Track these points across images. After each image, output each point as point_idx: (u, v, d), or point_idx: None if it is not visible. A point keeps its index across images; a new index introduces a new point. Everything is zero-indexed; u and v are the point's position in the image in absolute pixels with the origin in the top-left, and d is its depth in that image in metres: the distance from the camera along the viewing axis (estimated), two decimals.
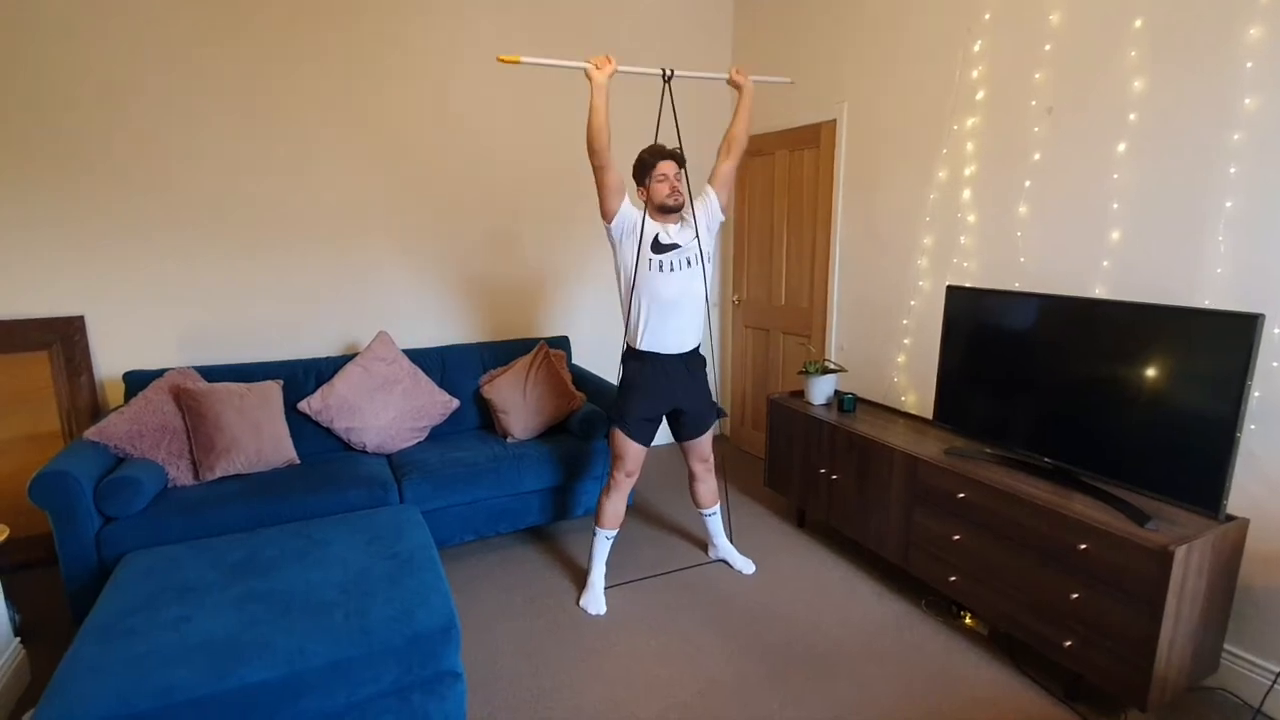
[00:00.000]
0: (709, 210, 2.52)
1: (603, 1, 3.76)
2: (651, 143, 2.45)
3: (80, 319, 2.89)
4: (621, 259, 2.46)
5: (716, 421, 2.76)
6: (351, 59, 3.22)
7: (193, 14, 2.91)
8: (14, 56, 2.68)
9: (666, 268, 2.41)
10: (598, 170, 2.33)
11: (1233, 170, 1.97)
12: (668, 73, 2.39)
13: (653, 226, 2.41)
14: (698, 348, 2.58)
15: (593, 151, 2.31)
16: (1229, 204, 1.99)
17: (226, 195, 3.09)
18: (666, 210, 2.41)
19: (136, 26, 2.83)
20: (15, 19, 2.66)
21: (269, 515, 2.46)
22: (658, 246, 2.40)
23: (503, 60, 2.20)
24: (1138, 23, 2.16)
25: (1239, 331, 1.74)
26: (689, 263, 2.44)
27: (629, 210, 2.40)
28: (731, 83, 2.56)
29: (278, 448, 2.78)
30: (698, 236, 2.45)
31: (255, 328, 3.23)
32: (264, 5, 3.02)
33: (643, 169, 2.43)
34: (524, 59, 2.22)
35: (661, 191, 2.40)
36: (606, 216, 2.40)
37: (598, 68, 2.27)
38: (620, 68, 2.32)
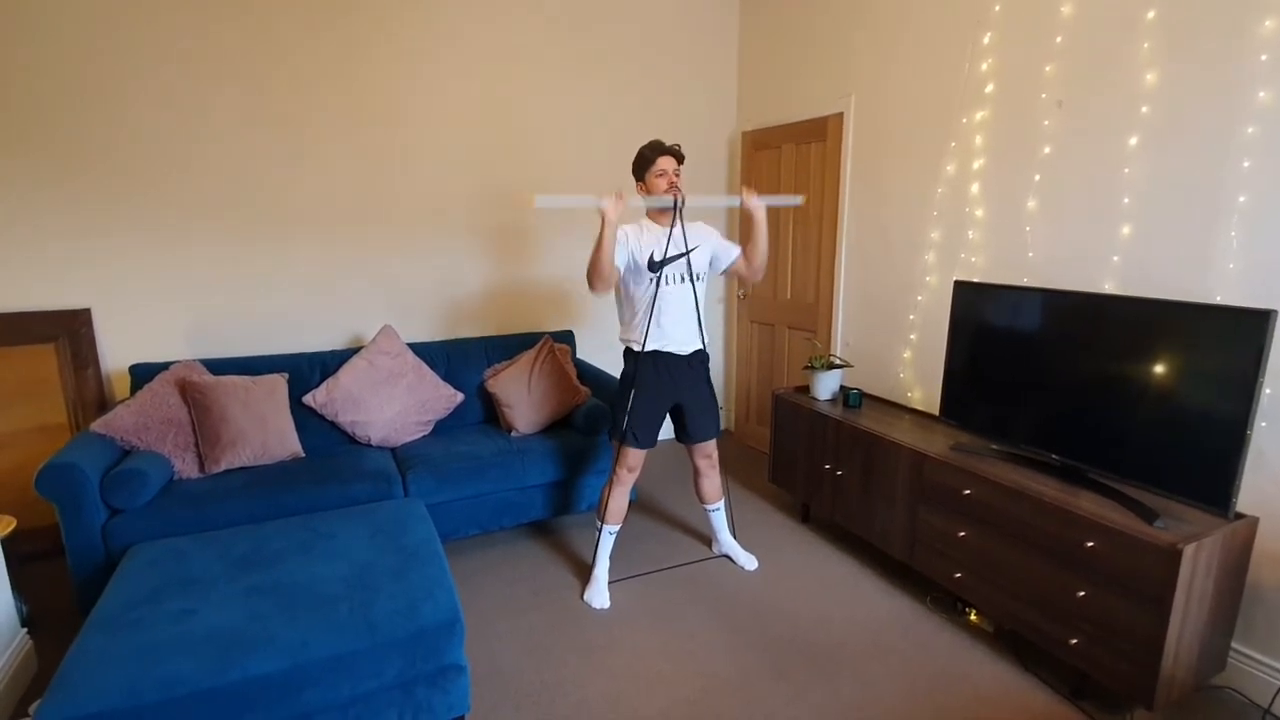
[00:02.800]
0: (719, 250, 2.56)
1: None
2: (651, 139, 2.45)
3: (87, 312, 2.90)
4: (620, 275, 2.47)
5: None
6: (357, 52, 3.21)
7: (201, 6, 2.90)
8: (18, 49, 2.68)
9: (662, 282, 2.42)
10: (595, 292, 2.36)
11: (1246, 164, 1.95)
12: (680, 200, 2.38)
13: (647, 245, 2.40)
14: (700, 349, 2.58)
15: (592, 285, 2.33)
16: (1242, 198, 1.96)
17: (233, 189, 3.09)
18: (665, 206, 2.41)
19: (142, 17, 2.83)
20: (19, 12, 2.66)
21: (274, 508, 2.47)
22: (653, 264, 2.42)
23: (519, 204, 2.19)
24: (1150, 15, 2.13)
25: (1251, 328, 1.72)
26: (681, 279, 2.46)
27: (621, 252, 2.39)
28: (743, 209, 2.47)
29: (283, 441, 2.78)
30: (691, 252, 2.44)
31: (261, 321, 3.24)
32: None
33: (642, 164, 2.43)
34: (539, 201, 2.24)
35: (660, 186, 2.39)
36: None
37: (612, 204, 2.24)
38: (631, 202, 2.30)
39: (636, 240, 2.41)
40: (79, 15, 2.73)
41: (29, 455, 2.75)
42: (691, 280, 2.47)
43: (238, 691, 1.52)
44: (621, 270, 2.42)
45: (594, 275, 2.31)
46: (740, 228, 2.57)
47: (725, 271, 2.61)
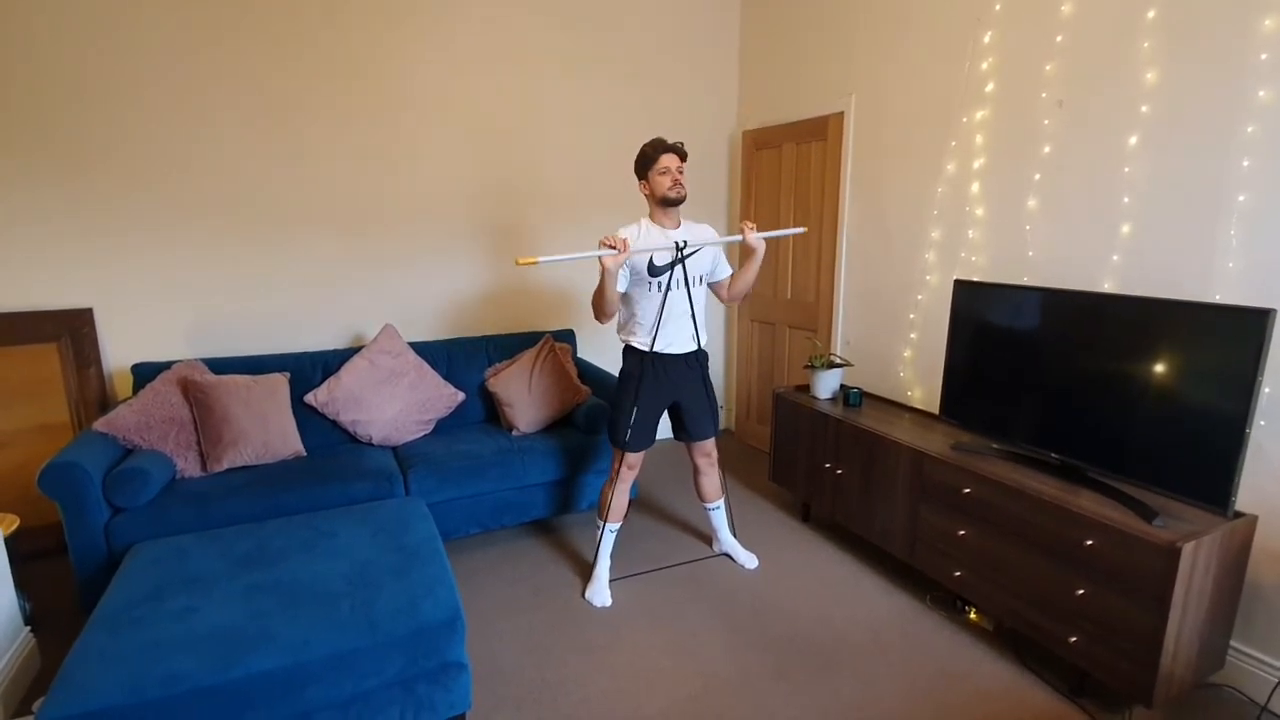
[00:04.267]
0: (716, 258, 2.58)
1: None
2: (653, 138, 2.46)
3: (89, 311, 2.91)
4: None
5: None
6: (358, 51, 3.22)
7: (201, 6, 2.91)
8: (21, 50, 2.68)
9: (661, 287, 2.44)
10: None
11: (1246, 163, 1.95)
12: (681, 247, 2.40)
13: (645, 246, 2.41)
14: (699, 349, 2.59)
15: (599, 318, 2.40)
16: (1241, 198, 1.96)
17: (234, 189, 3.10)
18: (668, 203, 2.41)
19: (145, 19, 2.83)
20: (23, 13, 2.66)
21: (275, 507, 2.48)
22: (653, 269, 2.42)
23: (521, 263, 2.18)
24: (1151, 14, 2.13)
25: (1250, 326, 1.73)
26: (676, 284, 2.46)
27: (623, 281, 2.42)
28: (744, 246, 2.48)
29: (284, 440, 2.79)
30: (689, 256, 2.44)
31: (262, 320, 3.25)
32: None
33: (645, 162, 2.43)
34: (540, 260, 2.21)
35: (664, 184, 2.39)
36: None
37: (614, 253, 2.24)
38: (632, 251, 2.30)
39: (636, 245, 2.41)
40: (80, 16, 2.74)
41: (31, 454, 2.76)
42: (687, 286, 2.47)
43: (240, 689, 1.53)
44: (624, 291, 2.46)
45: (598, 313, 2.39)
46: (740, 257, 2.58)
47: (708, 284, 2.64)
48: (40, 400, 2.82)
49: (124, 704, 1.44)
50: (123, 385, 2.99)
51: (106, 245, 2.92)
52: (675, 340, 2.51)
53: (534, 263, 2.19)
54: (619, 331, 2.59)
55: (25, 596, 2.23)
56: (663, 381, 2.52)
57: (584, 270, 3.96)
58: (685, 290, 2.47)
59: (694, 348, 2.56)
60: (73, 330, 2.87)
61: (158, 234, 3.00)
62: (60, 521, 2.28)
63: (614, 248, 2.24)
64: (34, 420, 2.82)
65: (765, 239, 2.48)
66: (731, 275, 2.63)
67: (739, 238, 2.46)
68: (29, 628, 2.19)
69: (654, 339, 2.46)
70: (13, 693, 2.00)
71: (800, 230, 2.69)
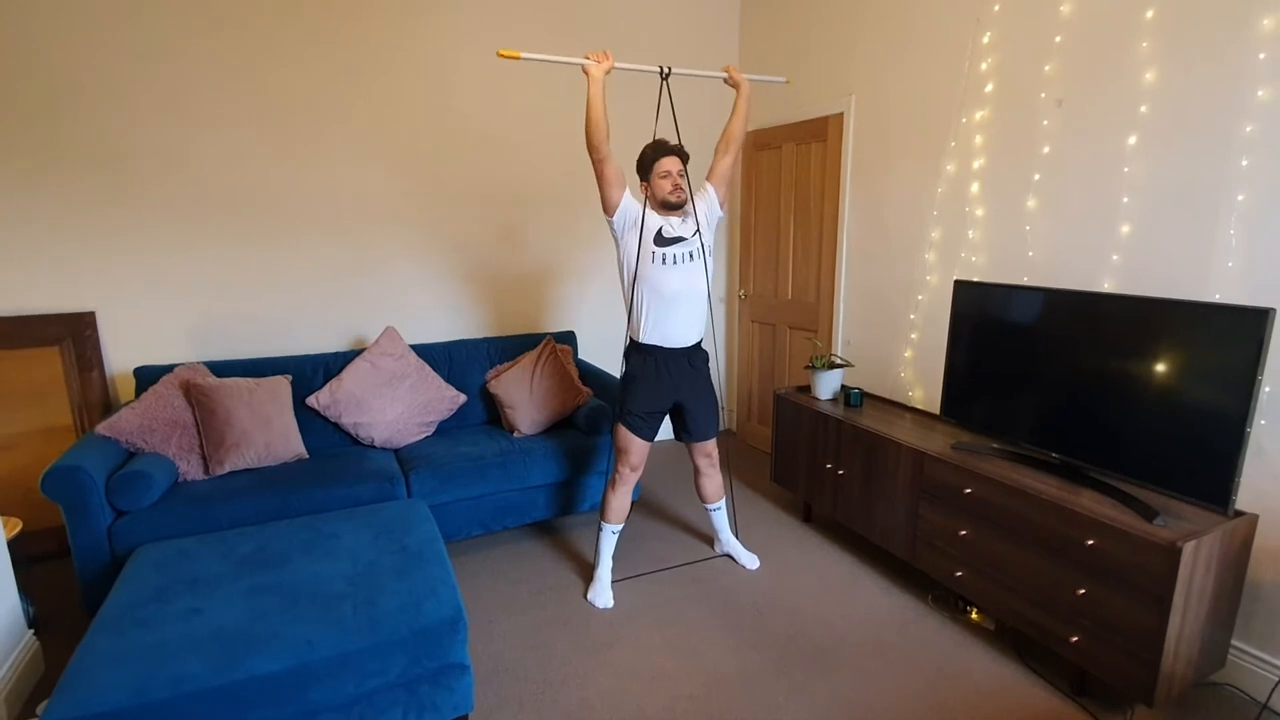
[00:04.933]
0: (709, 206, 2.54)
1: None
2: (653, 138, 2.45)
3: (91, 314, 2.92)
4: (624, 252, 2.46)
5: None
6: (359, 52, 3.23)
7: (201, 8, 2.91)
8: (20, 52, 2.69)
9: (670, 260, 2.42)
10: (597, 164, 2.36)
11: (1245, 163, 1.95)
12: (665, 70, 2.41)
13: (655, 220, 2.42)
14: (700, 342, 2.59)
15: (591, 145, 2.34)
16: (1240, 197, 1.97)
17: (235, 192, 3.11)
18: (669, 207, 2.42)
19: (145, 21, 2.84)
20: (23, 15, 2.67)
21: (278, 509, 2.48)
22: (660, 240, 2.41)
23: (503, 55, 2.23)
24: (1149, 14, 2.14)
25: (1250, 326, 1.73)
26: (691, 256, 2.45)
27: (630, 203, 2.41)
28: (729, 82, 2.57)
29: (286, 442, 2.80)
30: (699, 231, 2.45)
31: (264, 323, 3.26)
32: None
33: (645, 164, 2.44)
34: (524, 55, 2.25)
35: (664, 188, 2.40)
36: (608, 209, 2.41)
37: (596, 63, 2.31)
38: (618, 64, 2.34)
39: (639, 215, 2.41)
40: (82, 18, 2.75)
41: (35, 457, 2.77)
42: (704, 255, 2.47)
43: (244, 690, 1.53)
44: (633, 267, 2.43)
45: (591, 131, 2.32)
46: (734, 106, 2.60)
47: (715, 184, 2.57)
48: (43, 403, 2.83)
49: (129, 705, 1.44)
50: (125, 388, 3.00)
51: (109, 248, 2.93)
52: (684, 328, 2.48)
53: (517, 57, 2.25)
54: (628, 322, 2.55)
55: (29, 600, 2.23)
56: (664, 378, 2.52)
57: (588, 269, 3.97)
58: (702, 262, 2.46)
59: (697, 338, 2.56)
60: (75, 333, 2.87)
61: (159, 237, 3.01)
62: (63, 524, 2.29)
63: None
64: (37, 423, 2.82)
65: (749, 80, 2.57)
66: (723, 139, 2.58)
67: (721, 74, 2.57)
68: (32, 631, 2.19)
69: (659, 324, 2.45)
70: (17, 696, 2.01)
71: (782, 79, 2.78)
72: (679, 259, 2.43)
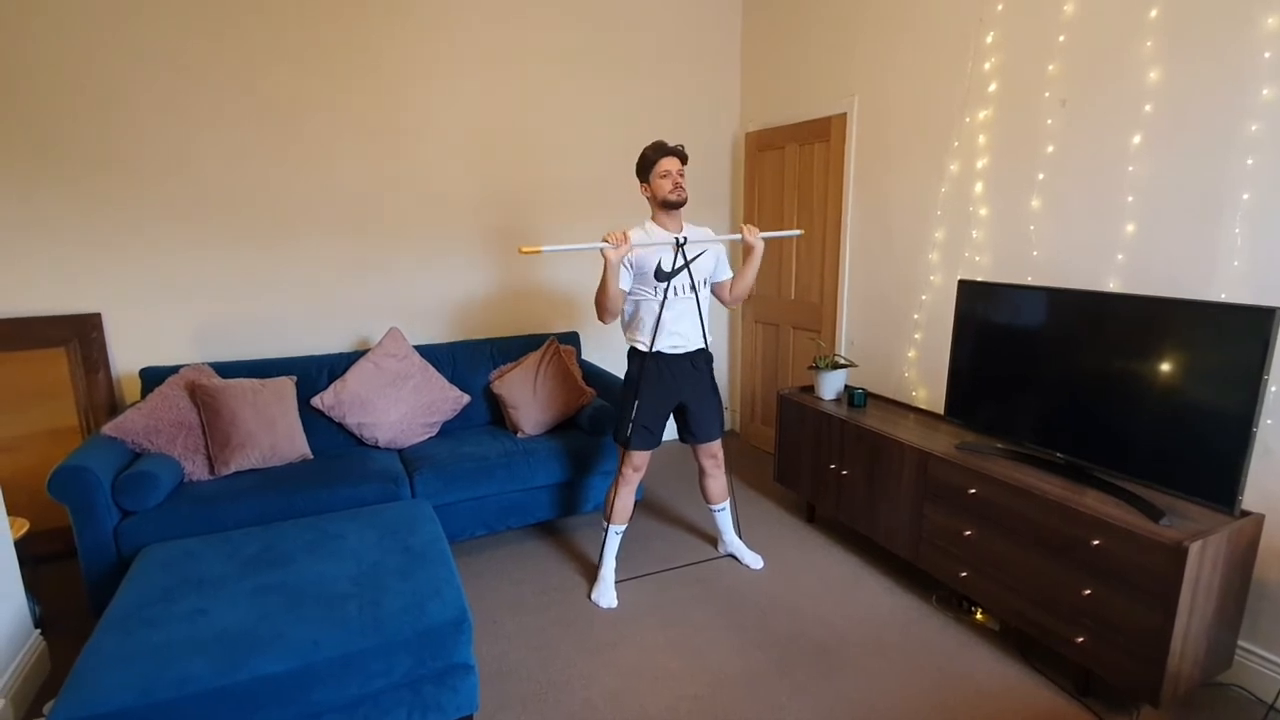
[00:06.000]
0: (716, 258, 2.58)
1: None
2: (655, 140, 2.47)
3: (97, 316, 2.93)
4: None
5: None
6: (361, 55, 3.24)
7: (202, 10, 2.93)
8: (23, 53, 2.71)
9: (670, 293, 2.45)
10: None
11: (1250, 161, 1.95)
12: (681, 239, 2.42)
13: (650, 258, 2.41)
14: (703, 348, 2.59)
15: (602, 317, 2.42)
16: (1245, 196, 1.96)
17: (240, 193, 3.12)
18: (669, 206, 2.42)
19: (147, 23, 2.85)
20: (21, 16, 2.68)
21: (283, 509, 2.49)
22: (660, 274, 2.43)
23: (524, 251, 2.22)
24: (1153, 13, 2.13)
25: (1255, 325, 1.72)
26: (689, 288, 2.48)
27: (626, 279, 2.43)
28: (744, 245, 2.52)
29: (291, 443, 2.80)
30: (694, 261, 2.47)
31: (269, 324, 3.27)
32: None
33: (646, 165, 2.44)
34: (545, 248, 2.28)
35: (665, 187, 2.40)
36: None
37: (614, 246, 2.27)
38: (634, 244, 2.35)
39: (641, 250, 2.42)
40: (82, 19, 2.76)
41: (41, 458, 2.78)
42: (695, 288, 2.49)
43: (249, 690, 1.54)
44: (627, 290, 2.45)
45: (601, 310, 2.40)
46: (742, 257, 2.60)
47: (711, 285, 2.65)
48: (49, 404, 2.84)
49: (135, 705, 1.45)
50: (131, 389, 3.01)
51: (114, 250, 2.94)
52: (680, 341, 2.52)
53: (537, 251, 2.25)
54: (625, 331, 2.60)
55: (35, 599, 2.25)
56: (667, 382, 2.53)
57: (588, 272, 3.97)
58: (692, 294, 2.49)
59: (699, 345, 2.57)
60: (81, 335, 2.89)
61: (164, 238, 3.02)
62: (70, 525, 2.29)
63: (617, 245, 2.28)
64: (43, 424, 2.84)
65: (764, 239, 2.52)
66: (733, 277, 2.64)
67: (738, 236, 2.51)
68: (39, 630, 2.20)
69: (657, 339, 2.48)
70: (23, 695, 2.01)
71: (797, 233, 2.76)
72: (681, 290, 2.47)
